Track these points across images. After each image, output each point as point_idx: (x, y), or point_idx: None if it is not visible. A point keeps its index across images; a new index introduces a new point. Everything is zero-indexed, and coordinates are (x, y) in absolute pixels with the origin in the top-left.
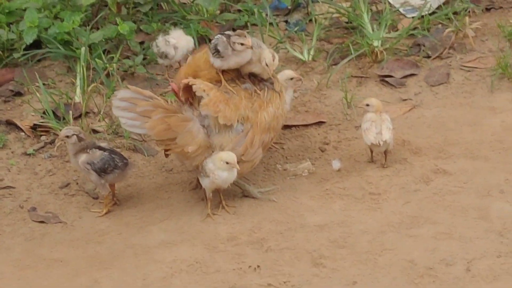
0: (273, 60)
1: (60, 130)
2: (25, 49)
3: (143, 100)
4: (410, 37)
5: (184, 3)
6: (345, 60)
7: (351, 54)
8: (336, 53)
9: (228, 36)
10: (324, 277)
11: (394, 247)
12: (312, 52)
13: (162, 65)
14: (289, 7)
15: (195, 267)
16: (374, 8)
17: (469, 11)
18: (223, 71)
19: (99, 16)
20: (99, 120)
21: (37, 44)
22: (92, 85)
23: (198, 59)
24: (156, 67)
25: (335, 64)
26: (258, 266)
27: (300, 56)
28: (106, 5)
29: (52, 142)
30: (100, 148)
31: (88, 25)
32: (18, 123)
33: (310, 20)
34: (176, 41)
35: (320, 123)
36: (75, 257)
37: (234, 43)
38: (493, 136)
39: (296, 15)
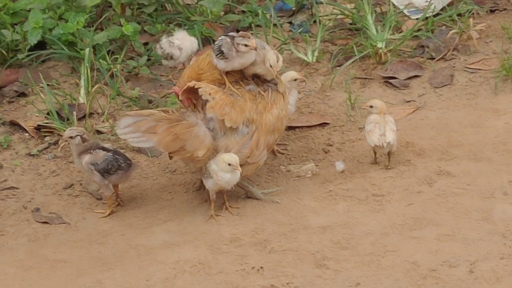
0: (277, 62)
1: (64, 131)
2: (29, 50)
3: (144, 120)
4: (414, 39)
5: (189, 4)
6: (349, 62)
7: (355, 55)
8: (340, 55)
9: (232, 38)
10: (327, 278)
11: (397, 248)
12: (316, 54)
13: (166, 66)
14: (293, 9)
15: (198, 268)
16: (378, 9)
17: (473, 13)
18: (227, 73)
19: (103, 17)
20: (103, 121)
21: (41, 45)
22: (96, 86)
23: (200, 62)
24: (160, 68)
25: (339, 66)
26: (261, 267)
27: (304, 58)
28: (111, 6)
29: (56, 143)
30: (103, 149)
31: (93, 26)
32: (22, 124)
33: (314, 22)
34: (180, 42)
35: (323, 124)
36: (78, 258)
37: (238, 44)
38: (497, 138)
39: (300, 16)
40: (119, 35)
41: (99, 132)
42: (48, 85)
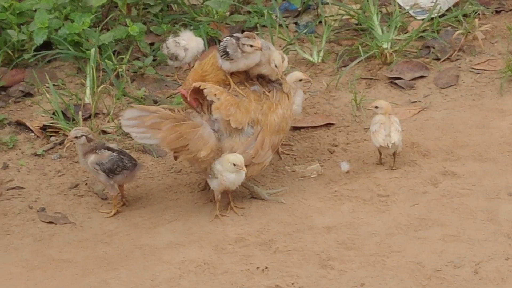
0: (283, 62)
1: (70, 131)
2: (35, 50)
3: (150, 116)
4: (420, 39)
5: (194, 5)
6: (355, 62)
7: (361, 56)
8: (345, 55)
9: (237, 38)
10: (332, 278)
11: (402, 249)
12: (321, 54)
13: (171, 67)
14: (299, 9)
15: (203, 268)
16: (383, 10)
17: (478, 14)
18: (231, 73)
19: (109, 17)
20: (108, 121)
21: (47, 45)
22: (102, 86)
23: (204, 64)
24: (165, 68)
25: (345, 66)
26: (266, 268)
27: (310, 58)
28: (116, 6)
29: (61, 143)
30: (109, 149)
31: (98, 26)
32: (28, 124)
33: (320, 22)
34: (186, 43)
35: (329, 125)
36: (83, 258)
37: (243, 45)
38: (502, 138)
39: (305, 17)
40: (125, 35)
41: (104, 132)
42: (54, 85)
